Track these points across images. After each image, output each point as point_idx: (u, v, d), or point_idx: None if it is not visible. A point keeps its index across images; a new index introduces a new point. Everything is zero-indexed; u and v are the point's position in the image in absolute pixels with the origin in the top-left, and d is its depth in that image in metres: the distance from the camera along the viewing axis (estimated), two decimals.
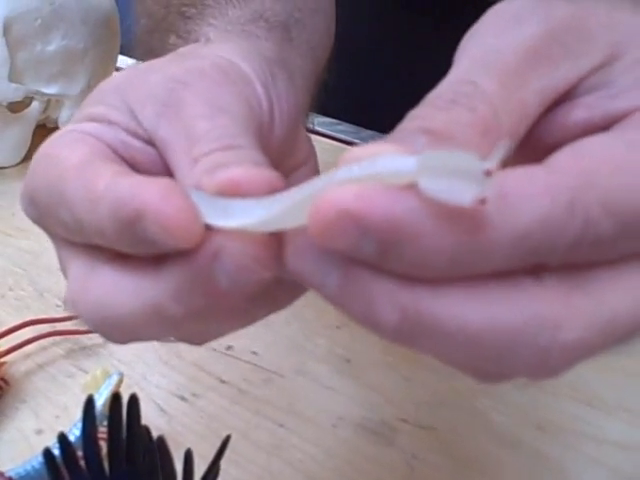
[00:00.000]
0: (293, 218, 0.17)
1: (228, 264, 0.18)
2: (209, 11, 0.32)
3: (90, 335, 0.46)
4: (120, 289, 0.20)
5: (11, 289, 0.51)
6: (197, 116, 0.23)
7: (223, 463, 0.32)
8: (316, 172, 0.33)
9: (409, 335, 0.17)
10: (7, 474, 0.34)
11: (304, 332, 0.47)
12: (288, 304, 0.23)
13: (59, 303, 0.49)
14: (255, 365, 0.44)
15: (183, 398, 0.42)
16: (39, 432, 0.40)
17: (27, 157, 0.65)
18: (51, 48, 0.62)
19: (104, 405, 0.37)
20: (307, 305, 0.48)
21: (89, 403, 0.31)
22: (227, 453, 0.33)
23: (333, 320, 0.47)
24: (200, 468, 0.32)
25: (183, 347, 0.45)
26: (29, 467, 0.35)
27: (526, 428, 0.41)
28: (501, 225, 0.16)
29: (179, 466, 0.31)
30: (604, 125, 0.21)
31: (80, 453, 0.31)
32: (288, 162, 0.30)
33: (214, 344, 0.45)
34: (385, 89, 0.74)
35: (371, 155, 0.16)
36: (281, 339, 0.46)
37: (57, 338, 0.46)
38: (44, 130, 0.66)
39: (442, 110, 0.19)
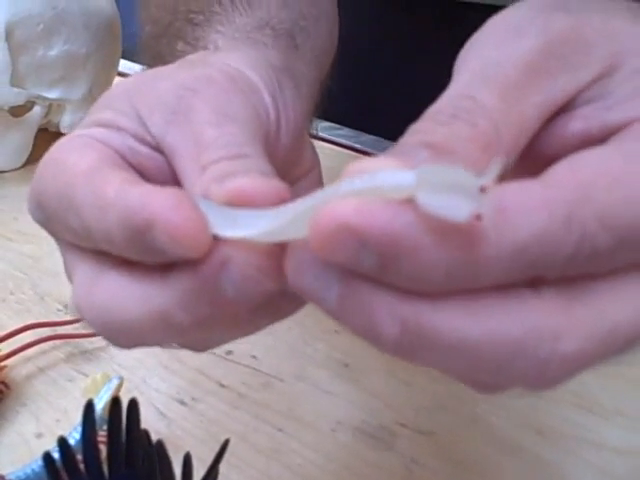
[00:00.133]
0: (297, 230, 0.17)
1: (235, 274, 0.18)
2: (216, 18, 0.33)
3: (91, 339, 0.46)
4: (126, 295, 0.20)
5: (12, 293, 0.51)
6: (205, 123, 0.23)
7: (223, 467, 0.33)
8: (320, 179, 0.33)
9: (409, 348, 0.17)
10: (7, 477, 0.34)
11: (304, 337, 0.47)
12: (291, 314, 0.23)
13: (60, 307, 0.50)
14: (255, 369, 0.45)
15: (183, 402, 0.42)
16: (39, 436, 0.40)
17: (29, 161, 0.65)
18: (53, 53, 0.62)
19: (104, 409, 0.37)
20: (306, 310, 0.48)
21: (89, 407, 0.31)
22: (227, 457, 0.33)
23: (332, 325, 0.47)
24: (199, 472, 0.32)
25: (183, 352, 0.45)
26: (29, 470, 0.35)
27: (525, 433, 0.41)
28: (498, 240, 0.16)
29: (178, 470, 0.31)
30: (602, 136, 0.21)
31: (80, 457, 0.31)
32: (293, 170, 0.30)
33: (214, 349, 0.46)
34: (386, 94, 0.74)
35: (373, 169, 0.17)
36: (281, 344, 0.46)
37: (58, 342, 0.46)
38: (46, 134, 0.67)
39: (443, 124, 0.19)
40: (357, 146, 0.71)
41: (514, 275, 0.17)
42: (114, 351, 0.46)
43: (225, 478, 0.36)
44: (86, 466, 0.31)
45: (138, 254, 0.20)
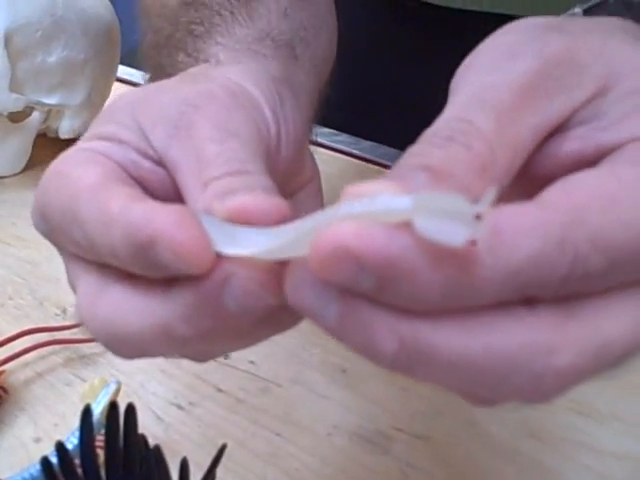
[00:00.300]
0: (297, 249, 0.18)
1: (236, 290, 0.19)
2: (217, 30, 0.33)
3: (89, 344, 0.46)
4: (130, 308, 0.21)
5: (11, 298, 0.51)
6: (207, 139, 0.23)
7: (220, 471, 0.33)
8: (320, 189, 0.33)
9: (407, 364, 0.17)
10: None
11: (301, 342, 0.47)
12: (292, 327, 0.23)
13: (58, 312, 0.50)
14: (252, 374, 0.45)
15: (180, 407, 0.43)
16: (37, 440, 0.40)
17: (28, 167, 0.65)
18: (52, 59, 0.62)
19: (102, 414, 0.37)
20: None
21: (87, 412, 0.31)
22: (224, 461, 0.33)
23: None
24: (197, 477, 0.32)
25: None
26: (27, 475, 0.35)
27: (522, 438, 0.41)
28: (492, 262, 0.17)
29: (176, 475, 0.31)
30: (596, 156, 0.21)
31: (78, 461, 0.31)
32: (294, 181, 0.31)
33: None
34: (384, 101, 0.75)
35: (372, 192, 0.17)
36: (278, 349, 0.46)
37: (56, 347, 0.46)
38: (44, 140, 0.67)
39: (439, 147, 0.19)
40: (356, 152, 0.71)
41: (509, 295, 0.17)
42: (112, 356, 0.45)
43: None
44: (84, 471, 0.31)
45: (142, 269, 0.20)
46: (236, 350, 0.24)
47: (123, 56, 0.72)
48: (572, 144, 0.22)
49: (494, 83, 0.21)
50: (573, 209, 0.17)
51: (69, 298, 0.50)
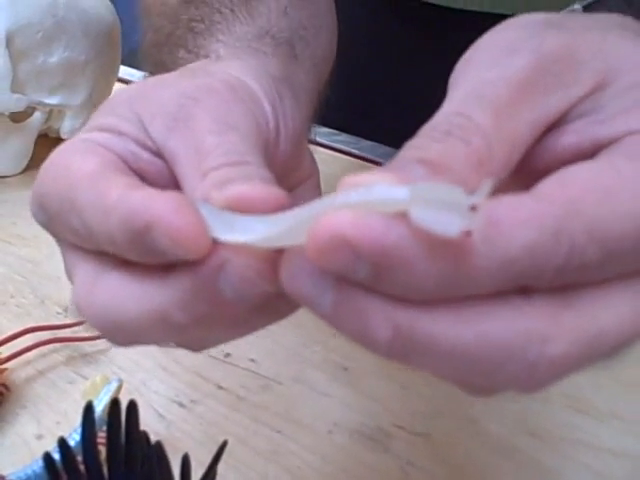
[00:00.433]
0: (294, 237, 0.18)
1: (232, 276, 0.19)
2: (217, 27, 0.33)
3: (90, 342, 0.46)
4: (126, 295, 0.21)
5: (12, 296, 0.51)
6: (206, 131, 0.23)
7: (221, 468, 0.33)
8: (319, 186, 0.33)
9: (402, 351, 0.17)
10: (8, 478, 0.34)
11: (302, 340, 0.47)
12: (289, 315, 0.24)
13: (59, 310, 0.50)
14: (253, 372, 0.45)
15: (182, 404, 0.43)
16: (39, 437, 0.40)
17: (29, 167, 0.65)
18: (53, 60, 0.62)
19: (103, 411, 0.37)
20: (305, 313, 0.48)
21: (88, 408, 0.31)
22: (225, 459, 0.33)
23: (330, 328, 0.47)
24: (198, 473, 0.32)
25: (182, 354, 0.46)
26: (29, 471, 0.35)
27: (520, 435, 0.41)
28: (488, 252, 0.17)
29: (177, 471, 0.32)
30: (593, 150, 0.21)
31: (80, 458, 0.31)
32: (292, 177, 0.31)
33: (213, 351, 0.46)
34: (384, 100, 0.75)
35: (369, 183, 0.17)
36: (279, 347, 0.47)
37: (57, 345, 0.46)
38: (46, 140, 0.67)
39: (438, 141, 0.19)
40: (355, 152, 0.71)
41: (505, 285, 0.17)
42: (113, 354, 0.46)
43: (224, 479, 0.36)
44: (86, 467, 0.31)
45: (139, 255, 0.20)
46: (232, 339, 0.24)
47: (124, 57, 0.72)
48: (569, 138, 0.22)
49: (492, 78, 0.21)
50: (569, 201, 0.18)
51: (70, 296, 0.50)
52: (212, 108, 0.24)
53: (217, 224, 0.19)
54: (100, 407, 0.37)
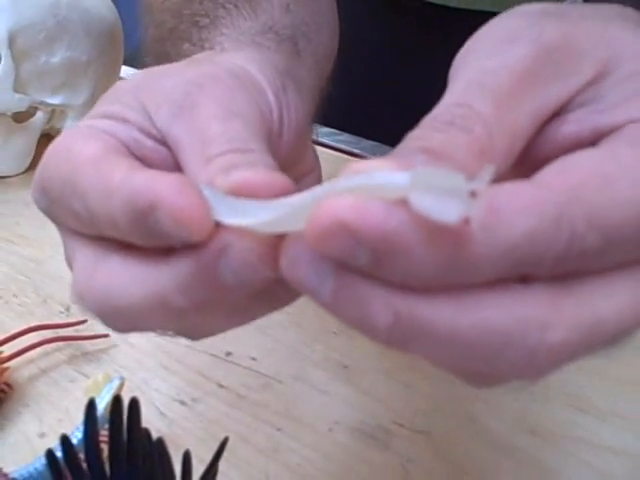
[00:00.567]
0: (295, 222, 0.18)
1: (233, 261, 0.19)
2: (221, 22, 0.33)
3: (92, 341, 0.46)
4: (127, 278, 0.21)
5: (15, 295, 0.52)
6: (211, 118, 0.23)
7: (222, 466, 0.33)
8: (320, 181, 0.33)
9: (402, 338, 0.17)
10: (11, 476, 0.35)
11: (302, 338, 0.47)
12: (289, 303, 0.23)
13: (62, 309, 0.50)
14: (254, 371, 0.45)
15: (183, 402, 0.43)
16: (42, 435, 0.41)
17: (31, 166, 0.66)
18: (55, 59, 0.63)
19: (105, 409, 0.37)
20: (305, 312, 0.48)
21: (91, 405, 0.31)
22: (226, 456, 0.33)
23: (331, 327, 0.48)
24: (199, 471, 0.32)
25: (183, 353, 0.46)
26: (32, 469, 0.35)
27: (520, 434, 0.41)
28: (488, 239, 0.17)
29: (178, 468, 0.32)
30: (593, 139, 0.21)
31: (82, 455, 0.31)
32: (294, 170, 0.31)
33: (214, 350, 0.46)
34: (385, 100, 0.75)
35: (371, 169, 0.17)
36: (279, 345, 0.47)
37: (60, 344, 0.47)
38: (48, 140, 0.66)
39: (440, 131, 0.19)
40: (357, 151, 0.72)
41: (505, 272, 0.17)
42: (115, 353, 0.46)
43: (225, 477, 0.37)
44: (88, 464, 0.31)
45: (141, 238, 0.20)
46: (231, 328, 0.24)
47: (126, 56, 0.73)
48: (569, 127, 0.22)
49: (493, 67, 0.21)
50: (570, 188, 0.18)
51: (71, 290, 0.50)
52: (217, 95, 0.24)
53: (220, 207, 0.19)
54: (102, 405, 0.38)
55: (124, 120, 0.24)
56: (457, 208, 0.16)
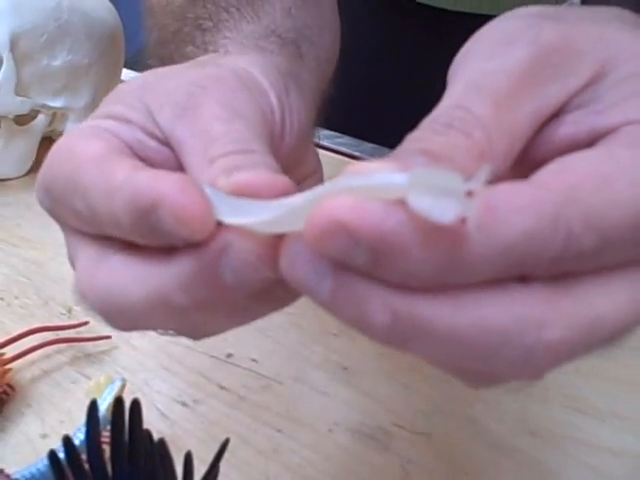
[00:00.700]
0: (295, 222, 0.18)
1: (234, 260, 0.19)
2: (225, 25, 0.33)
3: (94, 343, 0.47)
4: (129, 277, 0.21)
5: (17, 297, 0.52)
6: (214, 119, 0.24)
7: (223, 467, 0.33)
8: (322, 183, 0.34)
9: (400, 337, 0.18)
10: (13, 477, 0.35)
11: (302, 340, 0.47)
12: (289, 304, 0.24)
13: (63, 311, 0.50)
14: (254, 372, 0.45)
15: (184, 404, 0.43)
16: (44, 436, 0.41)
17: (32, 169, 0.66)
18: (57, 63, 0.63)
19: (107, 410, 0.38)
20: (305, 313, 0.49)
21: (93, 407, 0.32)
22: (227, 457, 0.33)
23: (331, 328, 0.48)
24: (200, 472, 0.32)
25: (184, 354, 0.46)
26: (34, 470, 0.35)
27: (520, 435, 0.41)
28: (485, 239, 0.17)
29: (180, 469, 0.32)
30: (590, 140, 0.21)
31: (84, 456, 0.31)
32: (296, 172, 0.31)
33: (214, 352, 0.46)
34: (386, 103, 0.75)
35: (371, 171, 0.18)
36: (280, 347, 0.47)
37: (61, 345, 0.47)
38: (50, 143, 0.67)
39: (439, 134, 0.20)
40: (357, 154, 0.72)
41: (502, 272, 0.17)
42: (117, 354, 0.47)
43: (225, 477, 0.37)
44: (90, 465, 0.31)
45: (143, 236, 0.20)
46: (232, 328, 0.24)
47: (127, 59, 0.73)
48: (567, 128, 0.22)
49: (492, 69, 0.21)
50: (567, 188, 0.18)
51: (74, 297, 0.50)
52: (220, 97, 0.25)
53: (221, 206, 0.19)
54: (104, 406, 0.38)
55: (127, 121, 0.25)
56: (454, 208, 0.16)
